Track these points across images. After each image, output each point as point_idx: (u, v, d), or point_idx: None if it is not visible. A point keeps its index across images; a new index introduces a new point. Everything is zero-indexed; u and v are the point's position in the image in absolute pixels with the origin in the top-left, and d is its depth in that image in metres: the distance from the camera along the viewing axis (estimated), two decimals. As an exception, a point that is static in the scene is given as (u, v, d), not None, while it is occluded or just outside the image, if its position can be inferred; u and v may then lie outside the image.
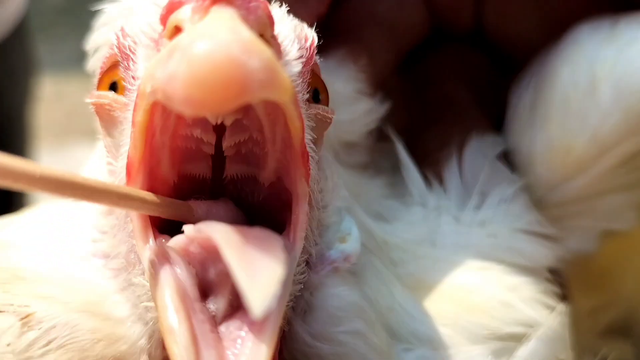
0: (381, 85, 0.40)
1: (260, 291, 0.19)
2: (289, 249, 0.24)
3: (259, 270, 0.20)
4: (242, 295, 0.19)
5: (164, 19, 0.24)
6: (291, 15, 0.29)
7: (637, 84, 0.32)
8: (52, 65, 2.32)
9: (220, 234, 0.21)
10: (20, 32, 1.01)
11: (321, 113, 0.29)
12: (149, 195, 0.24)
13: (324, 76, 0.31)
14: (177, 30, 0.23)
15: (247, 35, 0.20)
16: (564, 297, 0.35)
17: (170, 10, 0.23)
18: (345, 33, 0.40)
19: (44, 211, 0.32)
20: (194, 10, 0.22)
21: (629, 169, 0.35)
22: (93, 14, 0.33)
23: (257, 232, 0.22)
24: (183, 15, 0.22)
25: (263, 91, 0.20)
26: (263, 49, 0.20)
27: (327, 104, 0.30)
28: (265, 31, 0.23)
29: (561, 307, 0.33)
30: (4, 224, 0.32)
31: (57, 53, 2.53)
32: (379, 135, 0.39)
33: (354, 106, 0.36)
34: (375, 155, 0.39)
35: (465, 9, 0.43)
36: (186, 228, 0.24)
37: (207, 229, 0.22)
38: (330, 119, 0.29)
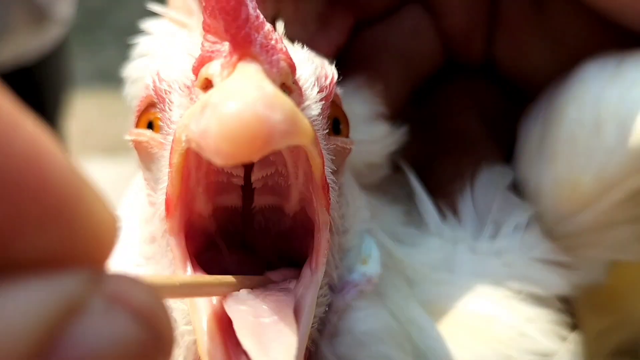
0: (396, 114, 0.41)
1: None
2: (311, 274, 0.26)
3: (274, 352, 0.22)
4: None
5: (195, 71, 0.26)
6: (312, 55, 0.31)
7: None
8: (66, 81, 2.36)
9: (237, 320, 0.23)
10: (62, 47, 1.04)
11: (340, 145, 0.31)
12: (231, 279, 0.26)
13: (343, 100, 0.32)
14: (208, 82, 0.25)
15: (270, 90, 0.22)
16: (574, 326, 0.36)
17: (201, 63, 0.25)
18: (362, 62, 0.42)
19: None
20: (223, 66, 0.24)
21: (635, 203, 0.36)
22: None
23: (271, 302, 0.24)
24: (213, 70, 0.24)
25: (286, 140, 0.22)
26: (284, 102, 0.22)
27: (347, 133, 0.32)
28: (287, 79, 0.25)
29: (573, 336, 0.35)
30: None
31: (71, 70, 2.57)
32: (394, 167, 0.41)
33: (373, 127, 0.38)
34: (391, 185, 0.41)
35: (477, 41, 0.45)
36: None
37: (228, 310, 0.24)
38: (350, 149, 0.31)
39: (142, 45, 0.34)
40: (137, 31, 0.35)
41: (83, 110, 2.50)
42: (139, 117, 0.31)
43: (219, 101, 0.21)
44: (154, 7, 0.35)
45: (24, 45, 0.96)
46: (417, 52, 0.44)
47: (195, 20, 0.33)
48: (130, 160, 0.36)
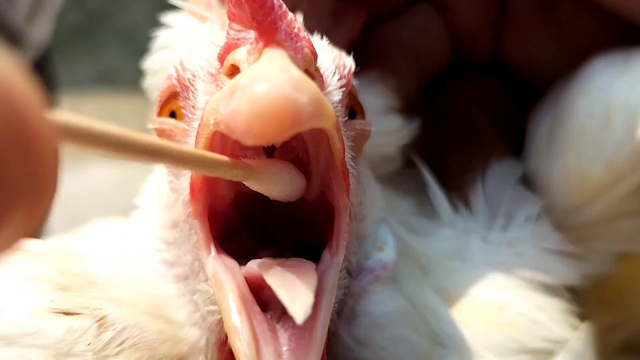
0: (407, 108, 0.42)
1: (299, 303, 0.23)
2: (331, 257, 0.27)
3: (296, 289, 0.24)
4: (287, 309, 0.23)
5: (221, 58, 0.27)
6: (331, 45, 0.32)
7: None
8: (68, 84, 2.37)
9: (264, 268, 0.25)
10: (44, 54, 1.05)
11: (359, 128, 0.31)
12: (210, 155, 0.25)
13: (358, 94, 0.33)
14: (234, 68, 0.26)
15: (296, 73, 0.23)
16: (583, 316, 0.37)
17: (227, 50, 0.26)
18: (374, 57, 0.43)
19: (107, 225, 0.35)
20: (250, 52, 0.25)
21: (643, 195, 0.37)
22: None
23: (293, 261, 0.26)
24: (240, 56, 0.25)
25: (312, 122, 0.23)
26: (310, 85, 0.23)
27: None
28: (310, 66, 0.26)
29: (584, 325, 0.35)
30: (72, 236, 0.34)
31: (73, 72, 2.59)
32: (404, 161, 0.42)
33: (387, 120, 0.39)
34: (402, 179, 0.42)
35: (485, 38, 0.46)
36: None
37: (254, 266, 0.26)
38: (369, 131, 0.32)
39: (162, 38, 0.35)
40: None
41: (84, 112, 2.50)
42: (162, 107, 0.31)
43: (249, 83, 0.22)
44: (174, 1, 0.35)
45: None
46: (428, 48, 0.45)
47: (215, 13, 0.34)
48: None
